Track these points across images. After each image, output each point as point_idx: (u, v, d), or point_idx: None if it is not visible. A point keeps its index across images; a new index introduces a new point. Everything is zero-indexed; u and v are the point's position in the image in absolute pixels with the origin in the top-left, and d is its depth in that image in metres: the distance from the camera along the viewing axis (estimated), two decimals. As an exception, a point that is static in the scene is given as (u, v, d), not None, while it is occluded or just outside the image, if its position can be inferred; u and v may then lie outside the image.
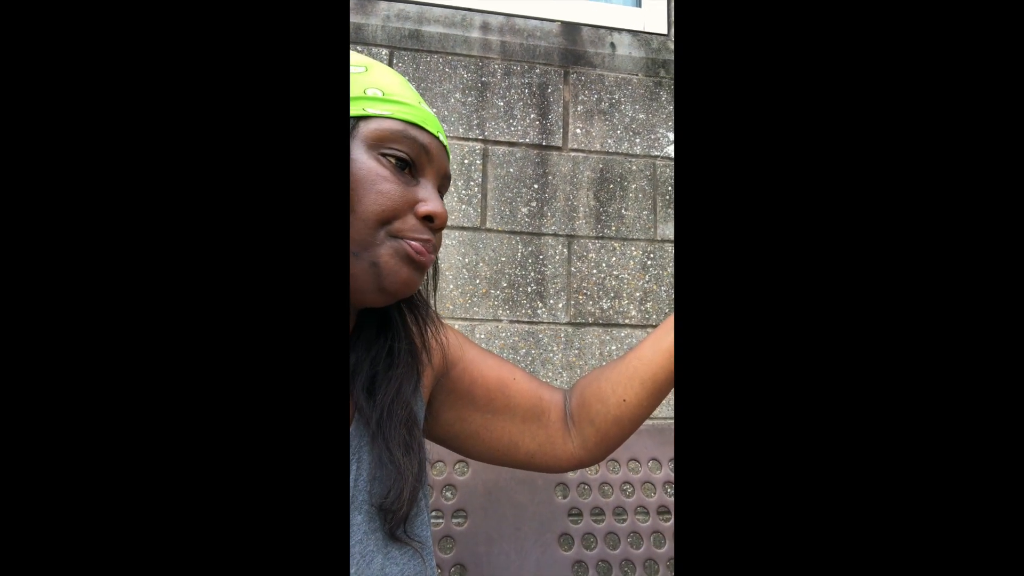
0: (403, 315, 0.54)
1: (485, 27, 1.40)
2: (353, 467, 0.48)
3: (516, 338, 1.46)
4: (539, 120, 1.43)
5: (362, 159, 0.43)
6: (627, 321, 1.54)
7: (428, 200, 0.46)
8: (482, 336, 1.44)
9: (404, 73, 1.35)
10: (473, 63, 1.39)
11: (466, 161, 1.40)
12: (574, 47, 1.44)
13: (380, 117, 0.44)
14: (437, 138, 0.47)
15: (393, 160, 0.44)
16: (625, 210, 1.51)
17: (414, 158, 0.45)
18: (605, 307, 1.51)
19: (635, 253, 1.51)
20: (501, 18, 1.41)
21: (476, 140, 1.40)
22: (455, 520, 1.31)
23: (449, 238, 1.41)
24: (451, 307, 1.42)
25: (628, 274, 1.53)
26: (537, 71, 1.42)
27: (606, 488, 1.33)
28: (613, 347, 1.53)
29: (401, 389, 0.51)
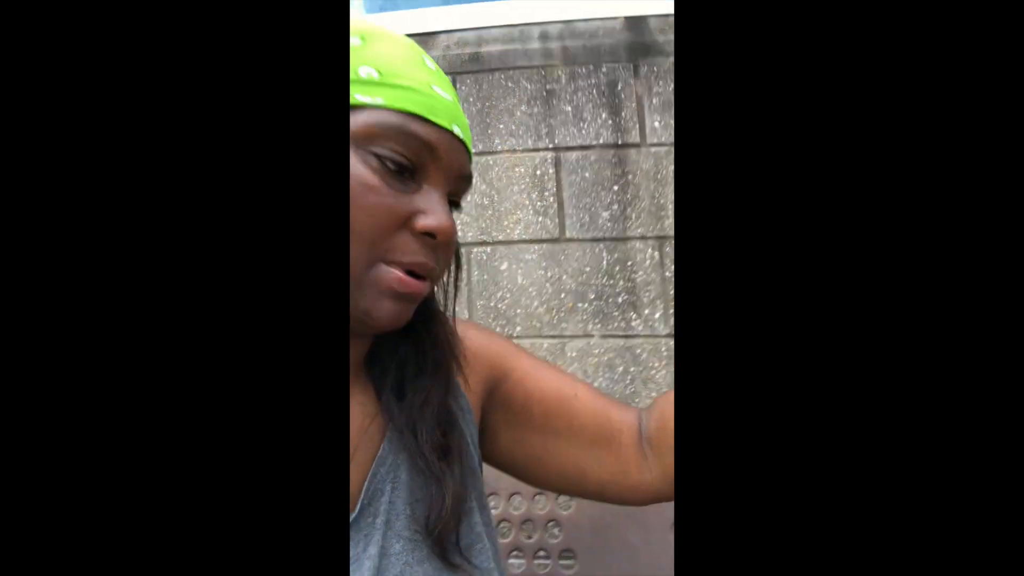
0: (419, 320, 0.48)
1: (544, 36, 1.38)
2: (387, 488, 0.42)
3: (611, 354, 1.32)
4: (611, 119, 1.35)
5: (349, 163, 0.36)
6: (741, 327, 1.34)
7: (428, 212, 0.38)
8: (573, 354, 1.32)
9: (466, 96, 1.36)
10: (535, 74, 1.37)
11: (538, 172, 1.35)
12: (641, 39, 1.36)
13: (372, 108, 0.37)
14: (449, 131, 0.39)
15: (390, 163, 0.37)
16: (722, 202, 1.34)
17: (413, 159, 0.38)
18: (711, 312, 1.33)
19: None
20: (560, 25, 1.38)
21: (546, 149, 1.35)
22: (563, 562, 1.17)
23: (528, 252, 1.35)
24: (538, 325, 1.34)
25: (735, 273, 1.34)
26: (604, 70, 1.36)
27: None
28: (729, 360, 1.33)
29: (432, 390, 0.46)
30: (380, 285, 0.38)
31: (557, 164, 1.36)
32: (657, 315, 1.32)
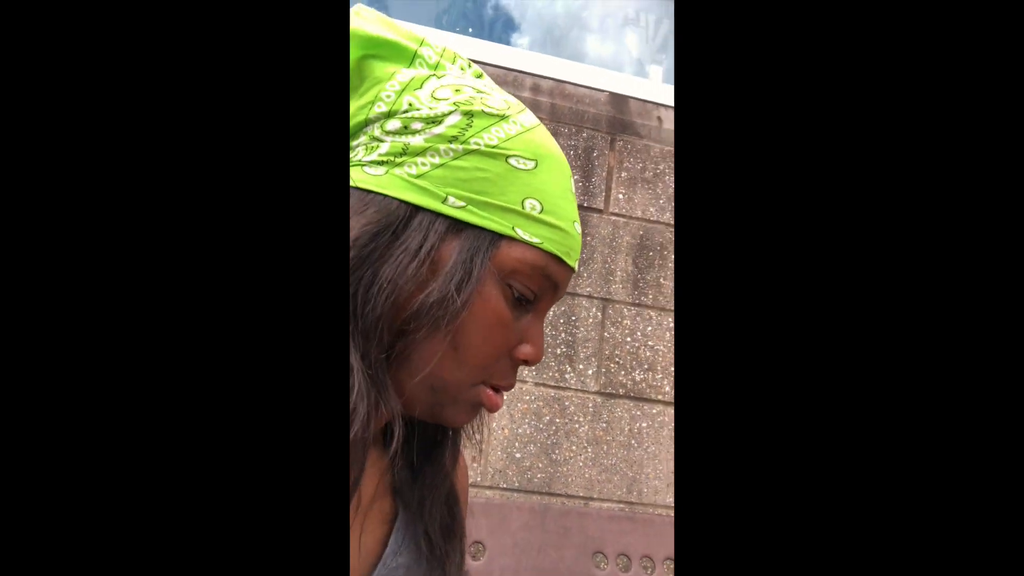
0: None
1: (536, 88, 1.44)
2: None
3: (540, 403, 1.35)
4: (582, 181, 1.42)
5: (489, 293, 0.37)
6: (660, 397, 1.43)
7: (531, 342, 0.40)
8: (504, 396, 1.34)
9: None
10: (522, 121, 1.41)
11: (505, 213, 1.38)
12: (621, 116, 1.47)
13: (526, 244, 0.37)
14: (573, 269, 0.40)
15: (518, 295, 0.38)
16: (664, 279, 1.45)
17: (538, 294, 0.39)
18: (638, 379, 1.41)
19: (672, 324, 1.43)
20: (552, 82, 1.45)
21: (517, 194, 1.39)
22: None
23: (480, 289, 1.36)
24: (475, 362, 1.34)
25: (664, 346, 1.44)
26: (584, 135, 1.44)
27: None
28: (643, 424, 1.41)
29: (445, 466, 0.45)
30: (473, 400, 0.39)
31: (525, 210, 1.40)
32: (590, 371, 1.38)
